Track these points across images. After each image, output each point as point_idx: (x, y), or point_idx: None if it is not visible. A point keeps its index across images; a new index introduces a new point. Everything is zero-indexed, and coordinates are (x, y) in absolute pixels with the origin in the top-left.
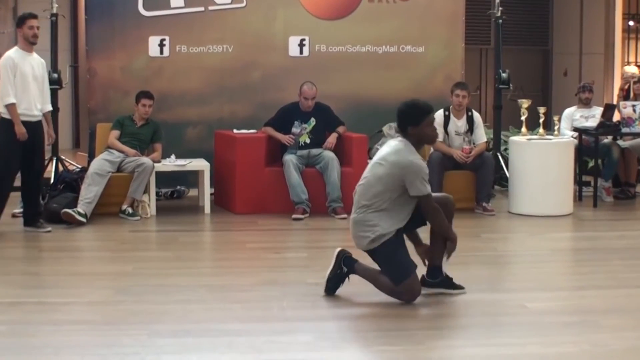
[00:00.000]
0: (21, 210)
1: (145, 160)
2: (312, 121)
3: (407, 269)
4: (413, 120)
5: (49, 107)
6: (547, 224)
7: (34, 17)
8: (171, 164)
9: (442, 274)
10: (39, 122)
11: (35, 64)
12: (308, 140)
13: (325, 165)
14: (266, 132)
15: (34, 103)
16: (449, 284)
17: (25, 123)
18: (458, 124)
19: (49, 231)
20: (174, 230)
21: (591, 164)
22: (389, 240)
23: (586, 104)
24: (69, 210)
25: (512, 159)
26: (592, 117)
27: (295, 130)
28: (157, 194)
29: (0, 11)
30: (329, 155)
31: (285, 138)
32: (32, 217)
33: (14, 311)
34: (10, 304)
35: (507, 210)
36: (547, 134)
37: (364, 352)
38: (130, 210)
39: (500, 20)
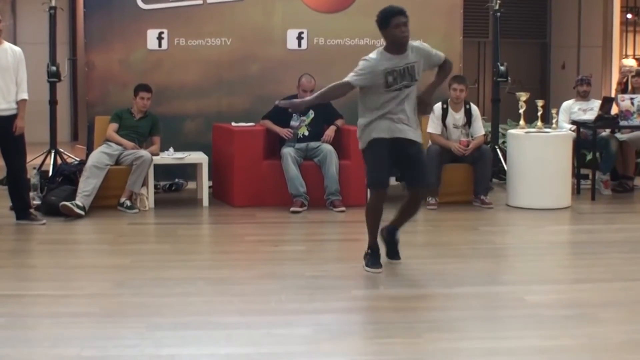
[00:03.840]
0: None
1: (144, 153)
2: (311, 114)
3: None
4: (382, 24)
5: (23, 96)
6: (545, 217)
7: None
8: (169, 156)
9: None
10: (10, 116)
11: (3, 55)
12: (306, 133)
13: (323, 158)
14: (264, 125)
15: (3, 97)
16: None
17: None
18: (456, 117)
19: (43, 224)
20: (172, 223)
21: (589, 157)
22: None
23: (584, 97)
24: (67, 203)
25: (510, 152)
26: (590, 110)
27: (294, 123)
28: (156, 186)
29: None
30: (327, 148)
31: (283, 131)
32: (22, 210)
33: (13, 304)
34: (8, 297)
35: (505, 203)
36: (545, 127)
37: (362, 344)
38: (128, 203)
39: (499, 13)
